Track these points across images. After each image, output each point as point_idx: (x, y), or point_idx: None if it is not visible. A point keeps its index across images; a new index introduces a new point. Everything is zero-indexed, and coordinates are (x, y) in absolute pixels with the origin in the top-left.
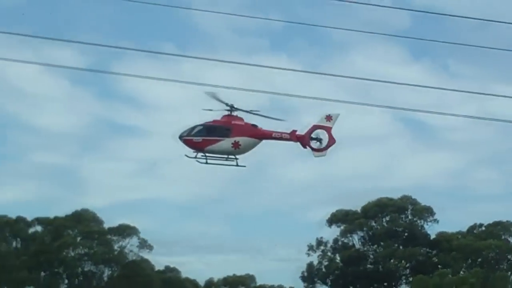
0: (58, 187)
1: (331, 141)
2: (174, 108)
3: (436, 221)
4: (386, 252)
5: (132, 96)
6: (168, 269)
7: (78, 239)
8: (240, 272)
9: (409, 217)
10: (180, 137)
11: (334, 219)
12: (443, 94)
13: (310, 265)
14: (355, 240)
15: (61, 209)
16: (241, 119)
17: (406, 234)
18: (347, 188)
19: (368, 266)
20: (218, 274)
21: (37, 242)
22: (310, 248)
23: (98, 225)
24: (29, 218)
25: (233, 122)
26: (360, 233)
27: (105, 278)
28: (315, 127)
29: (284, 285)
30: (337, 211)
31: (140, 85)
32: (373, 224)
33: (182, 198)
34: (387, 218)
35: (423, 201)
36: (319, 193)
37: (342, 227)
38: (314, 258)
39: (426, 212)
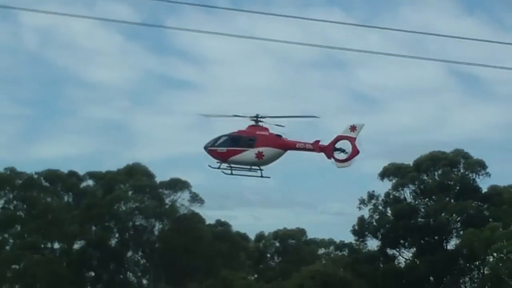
0: (110, 141)
1: (355, 151)
2: (227, 62)
3: (488, 174)
4: (437, 205)
5: (185, 50)
6: (219, 223)
7: (130, 193)
8: (291, 226)
9: (461, 171)
10: (205, 148)
11: (386, 173)
12: (495, 47)
13: (361, 219)
14: (407, 194)
15: (113, 164)
16: (266, 129)
17: (457, 187)
18: (399, 142)
19: (419, 219)
20: (268, 228)
21: (88, 196)
22: (361, 202)
23: (149, 179)
24: (81, 172)
25: (257, 132)
26: (412, 187)
27: (156, 232)
28: (339, 138)
29: (334, 239)
30: (389, 164)
31: (194, 39)
32: (425, 178)
33: None
34: (439, 172)
35: (476, 154)
36: (371, 147)
37: (394, 181)
38: (365, 212)
39: (478, 165)
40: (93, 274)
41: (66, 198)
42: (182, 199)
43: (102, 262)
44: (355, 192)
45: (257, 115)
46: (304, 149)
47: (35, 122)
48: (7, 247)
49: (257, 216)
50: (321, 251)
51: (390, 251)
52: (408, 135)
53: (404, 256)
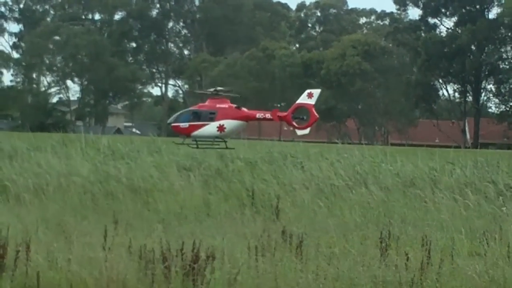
0: None
1: (313, 117)
2: None
3: None
4: None
5: None
6: None
7: None
8: None
9: None
10: (168, 124)
11: None
12: None
13: None
14: None
15: None
16: (227, 101)
17: None
18: None
19: None
20: None
21: None
22: None
23: None
24: None
25: (217, 105)
26: None
27: (197, 2)
28: (297, 105)
29: (375, 8)
30: None
31: None
32: None
33: None
34: None
35: None
36: None
37: None
38: None
39: None
40: (134, 45)
41: None
42: None
43: (143, 33)
44: None
45: (216, 88)
46: (264, 119)
47: None
48: (48, 19)
49: None
50: (362, 20)
51: (431, 20)
52: None
53: (445, 25)
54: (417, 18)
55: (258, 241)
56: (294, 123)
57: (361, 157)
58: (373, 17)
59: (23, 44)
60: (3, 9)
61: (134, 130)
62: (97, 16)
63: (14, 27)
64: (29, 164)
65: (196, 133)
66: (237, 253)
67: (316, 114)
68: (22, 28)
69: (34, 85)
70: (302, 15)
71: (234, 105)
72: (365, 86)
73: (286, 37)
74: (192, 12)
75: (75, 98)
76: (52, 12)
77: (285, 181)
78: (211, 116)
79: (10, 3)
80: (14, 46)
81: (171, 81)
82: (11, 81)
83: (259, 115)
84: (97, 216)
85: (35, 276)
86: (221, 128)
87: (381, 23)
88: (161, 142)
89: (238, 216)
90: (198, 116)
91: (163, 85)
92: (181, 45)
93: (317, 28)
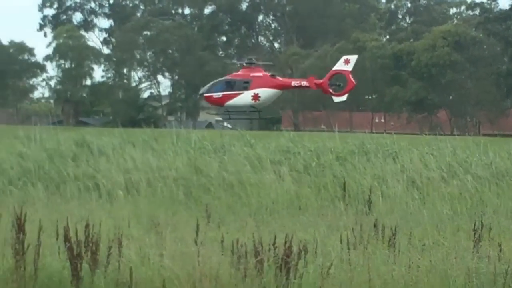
0: None
1: (350, 84)
2: None
3: None
4: None
5: None
6: None
7: None
8: None
9: None
10: (201, 94)
11: None
12: None
13: None
14: None
15: None
16: (260, 70)
17: None
18: None
19: None
20: None
21: None
22: None
23: None
24: None
25: (251, 74)
26: None
27: None
28: (333, 72)
29: None
30: None
31: None
32: None
33: None
34: None
35: None
36: None
37: None
38: None
39: None
40: (224, 38)
41: None
42: None
43: (233, 26)
44: None
45: (250, 58)
46: (300, 86)
47: None
48: (138, 14)
49: None
50: (453, 11)
51: None
52: None
53: None
54: (508, 7)
55: (350, 234)
56: (331, 90)
57: (453, 148)
58: (463, 7)
59: (113, 40)
60: (93, 5)
61: (225, 124)
62: (187, 11)
63: (105, 22)
64: (121, 160)
65: (230, 102)
66: (329, 247)
67: (353, 81)
68: (112, 24)
69: (125, 81)
70: (392, 6)
71: (269, 73)
72: (456, 77)
73: (376, 29)
74: (281, 5)
75: (166, 93)
76: (142, 7)
77: (377, 173)
78: (245, 85)
79: None
80: (105, 42)
81: None
82: (102, 76)
83: (294, 83)
84: (189, 211)
85: (127, 271)
86: (255, 97)
87: (471, 13)
88: (251, 136)
89: (330, 209)
90: (232, 86)
91: None
92: (271, 38)
93: (407, 19)
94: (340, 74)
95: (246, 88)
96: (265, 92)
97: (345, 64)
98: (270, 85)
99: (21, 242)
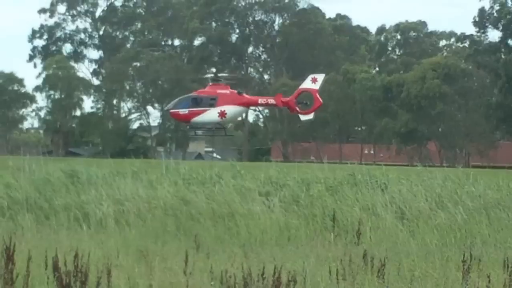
0: None
1: (317, 102)
2: None
3: None
4: None
5: None
6: (338, 16)
7: None
8: (412, 18)
9: None
10: (167, 110)
11: None
12: None
13: (481, 10)
14: None
15: None
16: (227, 87)
17: None
18: None
19: None
20: (389, 21)
21: None
22: None
23: None
24: None
25: (218, 91)
26: None
27: (276, 27)
28: (301, 90)
29: (455, 31)
30: None
31: None
32: None
33: None
34: None
35: None
36: None
37: None
38: (486, 3)
39: None
40: (214, 70)
41: None
42: None
43: (223, 58)
44: None
45: (216, 73)
46: (267, 104)
47: None
48: (128, 45)
49: (377, 7)
50: (442, 43)
51: (511, 42)
52: None
53: None
54: (497, 40)
55: (339, 265)
56: (298, 108)
57: (442, 179)
58: (452, 40)
59: (103, 71)
60: (83, 36)
61: (214, 155)
62: (176, 42)
63: (94, 53)
64: (110, 191)
65: (196, 119)
66: (318, 277)
67: (320, 99)
68: (102, 55)
69: (115, 111)
70: (382, 38)
71: (236, 91)
72: (446, 109)
73: (366, 61)
74: (271, 36)
75: (156, 124)
76: (131, 38)
77: (366, 204)
78: (211, 102)
79: (90, 30)
80: (94, 73)
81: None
82: (91, 107)
83: (261, 100)
84: (178, 241)
85: None
86: (222, 114)
87: (461, 45)
88: (240, 167)
89: (319, 240)
90: (198, 102)
91: None
92: (261, 69)
93: (397, 51)
94: (307, 92)
95: (212, 105)
96: (231, 109)
97: (312, 82)
98: (237, 102)
99: (10, 272)
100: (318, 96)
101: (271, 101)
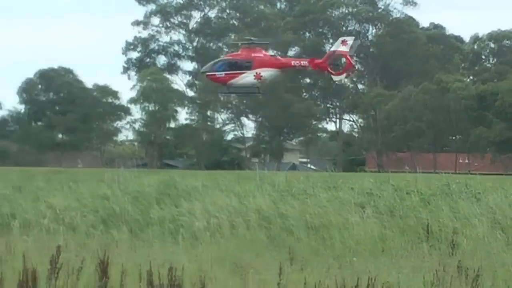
0: None
1: (349, 64)
2: None
3: None
4: None
5: None
6: (433, 25)
7: None
8: (506, 27)
9: None
10: (203, 72)
11: None
12: None
13: None
14: None
15: None
16: (261, 50)
17: None
18: None
19: None
20: (483, 30)
21: (301, 3)
22: None
23: None
24: None
25: (253, 54)
26: None
27: (370, 37)
28: (331, 53)
29: None
30: None
31: None
32: None
33: None
34: None
35: None
36: None
37: None
38: None
39: None
40: (308, 80)
41: (279, 5)
42: (395, 2)
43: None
44: None
45: (250, 38)
46: (300, 66)
47: None
48: (221, 56)
49: (471, 17)
50: None
51: None
52: None
53: None
54: None
55: (433, 276)
56: (330, 69)
57: None
58: None
59: (197, 82)
60: (177, 47)
61: (309, 165)
62: (270, 52)
63: (188, 65)
64: (204, 203)
65: (233, 81)
66: None
67: (352, 62)
68: (196, 66)
69: (209, 123)
70: (476, 47)
71: (270, 54)
72: None
73: (460, 70)
74: (365, 46)
75: (250, 135)
76: (225, 49)
77: (461, 214)
78: (247, 65)
79: (183, 41)
80: (189, 85)
81: (345, 116)
82: (185, 119)
83: (294, 62)
84: (272, 253)
85: None
86: (258, 76)
87: None
88: (336, 177)
89: (413, 251)
90: (234, 65)
91: (338, 120)
92: (355, 79)
93: (491, 60)
94: (338, 54)
95: (248, 68)
96: (267, 72)
97: (343, 45)
98: (272, 65)
99: (104, 285)
100: (349, 58)
101: (304, 62)
